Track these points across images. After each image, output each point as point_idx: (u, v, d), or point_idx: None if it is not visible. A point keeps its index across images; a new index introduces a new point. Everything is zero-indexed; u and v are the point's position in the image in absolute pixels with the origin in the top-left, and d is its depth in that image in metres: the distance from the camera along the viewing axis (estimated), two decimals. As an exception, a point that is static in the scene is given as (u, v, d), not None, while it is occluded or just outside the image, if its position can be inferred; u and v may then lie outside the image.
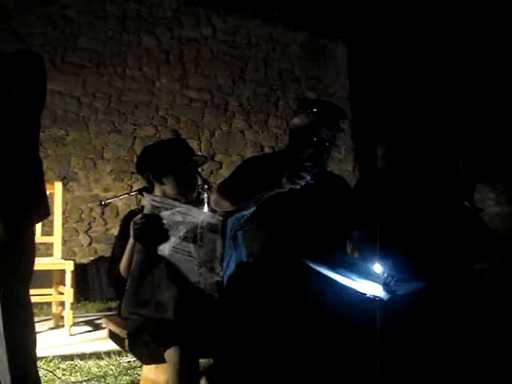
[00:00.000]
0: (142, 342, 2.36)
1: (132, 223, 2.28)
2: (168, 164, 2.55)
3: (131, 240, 2.30)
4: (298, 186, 2.42)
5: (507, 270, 3.54)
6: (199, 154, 2.79)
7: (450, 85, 8.08)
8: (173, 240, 2.27)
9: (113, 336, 2.62)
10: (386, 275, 2.21)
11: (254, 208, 2.47)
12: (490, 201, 7.17)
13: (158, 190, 2.59)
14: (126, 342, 2.41)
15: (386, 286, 2.18)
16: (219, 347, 2.32)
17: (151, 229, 2.25)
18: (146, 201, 2.31)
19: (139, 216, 2.28)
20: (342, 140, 7.95)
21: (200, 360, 2.31)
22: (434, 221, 3.17)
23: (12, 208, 2.37)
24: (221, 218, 2.40)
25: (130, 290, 2.22)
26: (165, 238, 2.27)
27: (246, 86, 7.62)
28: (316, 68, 8.15)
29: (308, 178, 2.41)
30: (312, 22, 8.01)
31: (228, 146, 7.46)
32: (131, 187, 6.56)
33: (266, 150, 7.53)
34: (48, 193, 4.38)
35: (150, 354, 2.35)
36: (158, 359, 2.29)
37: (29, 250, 2.46)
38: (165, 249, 2.27)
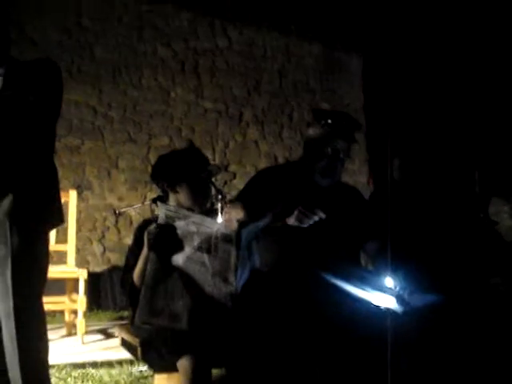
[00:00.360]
0: (154, 351, 2.36)
1: (146, 233, 2.28)
2: (182, 173, 2.55)
3: (145, 249, 2.30)
4: (306, 225, 2.39)
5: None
6: (213, 163, 2.79)
7: (465, 99, 8.06)
8: (187, 250, 2.27)
9: (125, 344, 2.62)
10: (398, 288, 2.20)
11: (268, 219, 2.46)
12: (504, 214, 7.13)
13: (172, 200, 2.59)
14: (139, 350, 2.40)
15: (399, 298, 2.17)
16: (232, 357, 2.31)
17: (165, 239, 2.25)
18: (160, 211, 2.31)
19: (153, 226, 2.28)
20: (356, 152, 7.94)
21: (212, 370, 2.31)
22: (448, 233, 3.16)
23: (27, 215, 2.38)
24: (235, 228, 2.39)
25: (144, 299, 2.23)
26: (179, 247, 2.27)
27: (261, 97, 7.64)
28: (331, 80, 8.16)
29: (317, 218, 2.38)
30: (327, 34, 8.04)
31: (242, 156, 7.46)
32: (145, 197, 6.58)
33: (280, 160, 7.53)
34: (62, 201, 4.41)
35: (162, 363, 2.34)
36: (171, 368, 2.28)
37: (43, 258, 2.47)
38: (179, 259, 2.27)
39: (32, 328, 2.41)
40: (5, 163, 2.33)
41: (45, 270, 2.49)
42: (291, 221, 2.40)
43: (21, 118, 2.34)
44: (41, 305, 2.47)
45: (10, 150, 2.34)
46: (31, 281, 2.41)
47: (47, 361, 2.50)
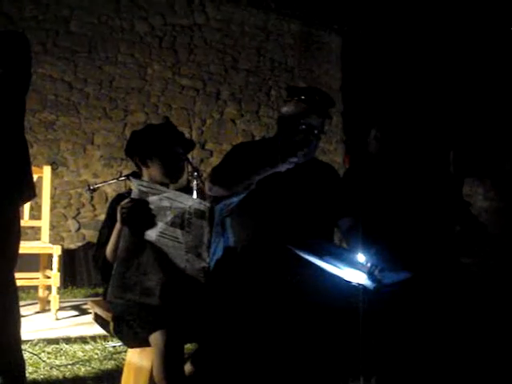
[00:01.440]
0: (127, 326, 2.36)
1: (119, 207, 2.27)
2: (153, 146, 2.54)
3: (118, 224, 2.29)
4: (293, 165, 2.43)
5: (494, 264, 3.56)
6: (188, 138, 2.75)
7: (441, 80, 8.10)
8: (160, 225, 2.26)
9: (98, 319, 2.61)
10: (369, 265, 2.22)
11: (243, 195, 2.46)
12: (478, 195, 7.22)
13: (145, 175, 2.58)
14: (111, 325, 2.40)
15: (370, 275, 2.19)
16: (205, 332, 2.32)
17: (138, 213, 2.24)
18: (134, 186, 2.29)
19: (126, 200, 2.27)
20: (332, 132, 7.96)
21: (185, 345, 2.32)
22: (421, 212, 3.18)
23: (-2, 190, 2.35)
24: (208, 204, 2.39)
25: (117, 274, 2.22)
26: (152, 222, 2.26)
27: (239, 74, 7.61)
28: (309, 59, 8.14)
29: (301, 158, 2.43)
30: (306, 12, 8.01)
31: (219, 134, 7.44)
32: (120, 173, 6.54)
33: (257, 139, 7.52)
34: (37, 177, 4.37)
35: (134, 338, 2.34)
36: (143, 343, 2.29)
37: (14, 232, 2.45)
38: (152, 234, 2.26)
39: (4, 303, 2.40)
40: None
41: (16, 245, 2.47)
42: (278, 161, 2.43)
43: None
44: (13, 279, 2.45)
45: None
46: (2, 255, 2.39)
47: (20, 335, 2.49)
